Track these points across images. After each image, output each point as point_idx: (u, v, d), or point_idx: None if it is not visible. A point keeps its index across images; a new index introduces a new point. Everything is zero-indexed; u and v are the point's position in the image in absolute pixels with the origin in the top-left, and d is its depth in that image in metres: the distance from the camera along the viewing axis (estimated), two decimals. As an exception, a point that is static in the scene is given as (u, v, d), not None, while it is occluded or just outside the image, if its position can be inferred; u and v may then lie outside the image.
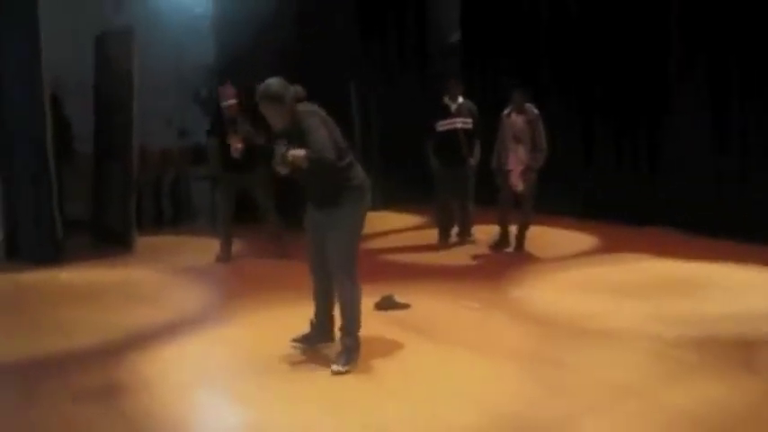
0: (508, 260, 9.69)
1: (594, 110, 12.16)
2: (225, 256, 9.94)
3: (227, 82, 9.86)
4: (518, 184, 9.68)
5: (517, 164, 9.73)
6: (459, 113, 10.36)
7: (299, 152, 5.52)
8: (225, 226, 9.96)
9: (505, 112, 9.99)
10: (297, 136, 5.68)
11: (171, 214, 13.45)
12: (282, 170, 5.67)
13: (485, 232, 10.59)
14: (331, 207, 5.85)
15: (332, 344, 6.24)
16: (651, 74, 11.23)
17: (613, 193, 11.79)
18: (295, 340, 6.33)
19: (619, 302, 7.50)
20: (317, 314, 6.31)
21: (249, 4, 12.59)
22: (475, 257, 9.94)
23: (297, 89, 5.80)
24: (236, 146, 9.36)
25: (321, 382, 5.62)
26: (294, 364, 6.03)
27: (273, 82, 5.77)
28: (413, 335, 6.56)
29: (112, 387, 5.69)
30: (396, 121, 14.26)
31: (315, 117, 5.73)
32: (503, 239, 10.15)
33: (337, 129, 5.88)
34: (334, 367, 5.79)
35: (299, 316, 6.51)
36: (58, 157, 10.65)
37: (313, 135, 5.59)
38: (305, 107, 5.81)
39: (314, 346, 6.27)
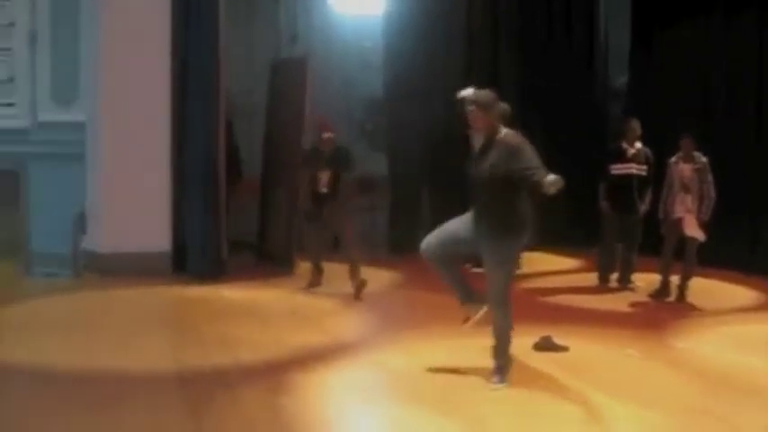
0: (669, 310, 9.46)
1: (762, 161, 11.77)
2: (315, 282, 10.09)
3: (323, 116, 10.31)
4: (697, 233, 9.47)
5: (684, 212, 9.55)
6: (635, 159, 10.25)
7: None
8: (313, 256, 10.17)
9: (673, 159, 9.83)
10: (496, 153, 6.05)
11: (331, 241, 13.67)
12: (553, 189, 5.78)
13: (644, 280, 10.38)
14: (489, 234, 6.12)
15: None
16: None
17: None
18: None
19: (786, 362, 7.22)
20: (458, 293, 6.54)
21: (418, 39, 12.81)
22: (634, 305, 9.76)
23: (504, 107, 6.30)
24: (324, 177, 9.65)
25: (477, 417, 5.64)
26: (453, 394, 6.06)
27: (484, 92, 6.24)
28: (572, 379, 6.47)
29: (277, 406, 5.85)
30: (557, 161, 14.19)
31: (527, 143, 6.06)
32: (664, 289, 9.91)
33: None
34: (492, 385, 6.12)
35: (458, 346, 6.58)
36: (227, 179, 11.04)
37: (529, 157, 5.94)
38: (511, 131, 6.19)
39: None
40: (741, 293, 10.45)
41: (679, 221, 9.62)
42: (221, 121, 10.80)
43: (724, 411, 5.89)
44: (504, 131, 6.17)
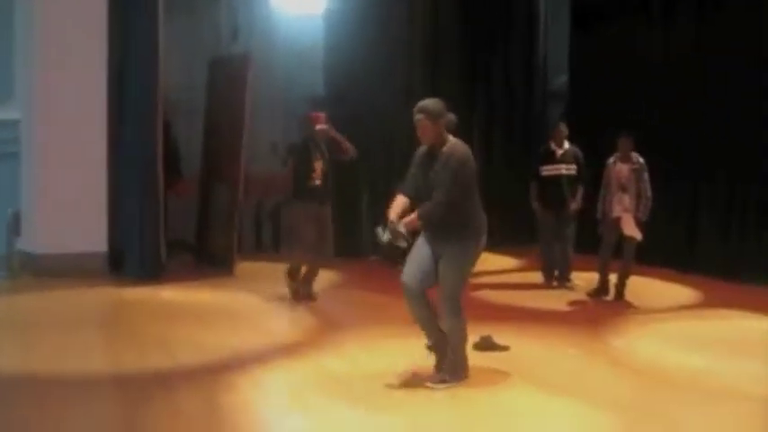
0: (607, 308, 9.56)
1: (701, 161, 11.91)
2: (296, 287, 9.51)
3: (317, 109, 10.14)
4: (635, 232, 9.56)
5: (622, 212, 9.65)
6: (564, 159, 10.42)
7: (409, 219, 5.92)
8: (305, 256, 9.50)
9: (611, 159, 9.93)
10: (436, 162, 6.03)
11: (270, 240, 13.59)
12: (402, 243, 5.94)
13: (584, 279, 10.46)
14: (445, 242, 6.06)
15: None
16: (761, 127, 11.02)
17: (716, 247, 11.56)
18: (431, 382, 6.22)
19: (723, 359, 7.31)
20: (429, 337, 6.28)
21: (359, 39, 12.80)
22: (573, 303, 9.83)
23: (451, 117, 6.14)
24: (318, 168, 9.36)
25: (417, 417, 5.64)
26: (391, 395, 6.03)
27: (432, 101, 6.15)
28: (512, 378, 6.51)
29: (214, 407, 5.79)
30: (497, 163, 14.27)
31: (468, 164, 6.07)
32: (602, 287, 10.01)
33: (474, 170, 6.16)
34: (432, 385, 6.09)
35: (397, 347, 6.56)
36: (166, 178, 10.90)
37: (448, 178, 5.94)
38: (459, 141, 6.13)
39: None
40: (678, 292, 10.59)
41: (617, 221, 9.71)
42: (159, 119, 10.64)
43: (662, 408, 5.97)
44: (452, 141, 6.12)
